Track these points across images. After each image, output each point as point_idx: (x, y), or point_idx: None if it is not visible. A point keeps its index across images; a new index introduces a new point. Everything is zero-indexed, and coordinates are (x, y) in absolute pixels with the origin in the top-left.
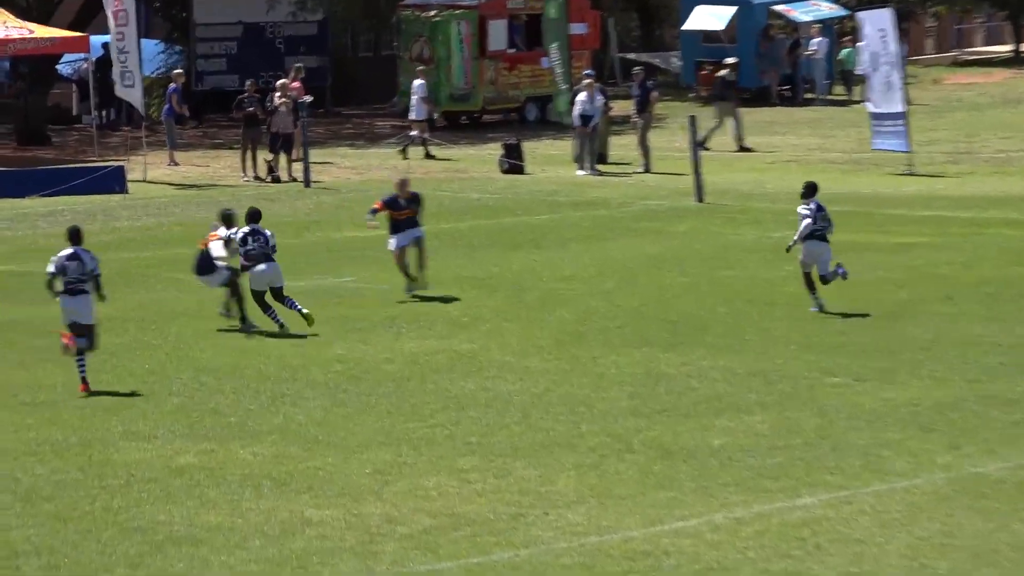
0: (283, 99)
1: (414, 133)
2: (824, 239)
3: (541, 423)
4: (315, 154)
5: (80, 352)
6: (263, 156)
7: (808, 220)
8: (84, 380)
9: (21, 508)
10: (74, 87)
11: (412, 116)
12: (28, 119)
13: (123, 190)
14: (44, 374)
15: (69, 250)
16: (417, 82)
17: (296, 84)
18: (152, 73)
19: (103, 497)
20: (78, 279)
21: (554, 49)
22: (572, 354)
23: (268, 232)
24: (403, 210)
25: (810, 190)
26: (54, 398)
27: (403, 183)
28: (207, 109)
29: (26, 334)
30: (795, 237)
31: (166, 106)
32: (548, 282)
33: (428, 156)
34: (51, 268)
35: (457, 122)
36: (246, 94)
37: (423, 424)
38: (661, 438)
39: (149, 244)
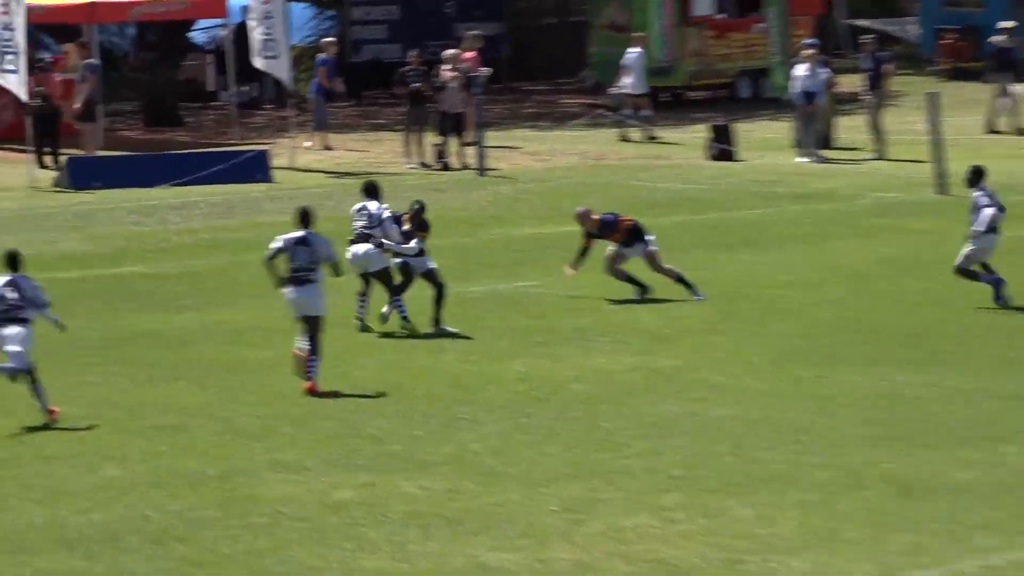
0: (453, 73)
1: (646, 112)
2: (998, 231)
3: (757, 454)
4: (490, 137)
5: (312, 354)
6: (430, 139)
7: (994, 210)
8: (310, 380)
9: (151, 551)
10: (210, 58)
11: (629, 90)
12: (157, 96)
13: (267, 178)
14: (177, 393)
15: (299, 232)
16: (634, 51)
17: (469, 55)
18: (300, 42)
19: (245, 538)
20: (307, 267)
21: (771, 14)
22: (793, 373)
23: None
24: (606, 238)
25: (977, 175)
26: (188, 421)
27: (582, 216)
28: (364, 84)
29: (157, 347)
30: (979, 228)
31: (314, 81)
32: (764, 289)
33: (651, 139)
34: (277, 245)
35: (657, 100)
36: (410, 67)
37: (618, 454)
38: (898, 472)
39: None
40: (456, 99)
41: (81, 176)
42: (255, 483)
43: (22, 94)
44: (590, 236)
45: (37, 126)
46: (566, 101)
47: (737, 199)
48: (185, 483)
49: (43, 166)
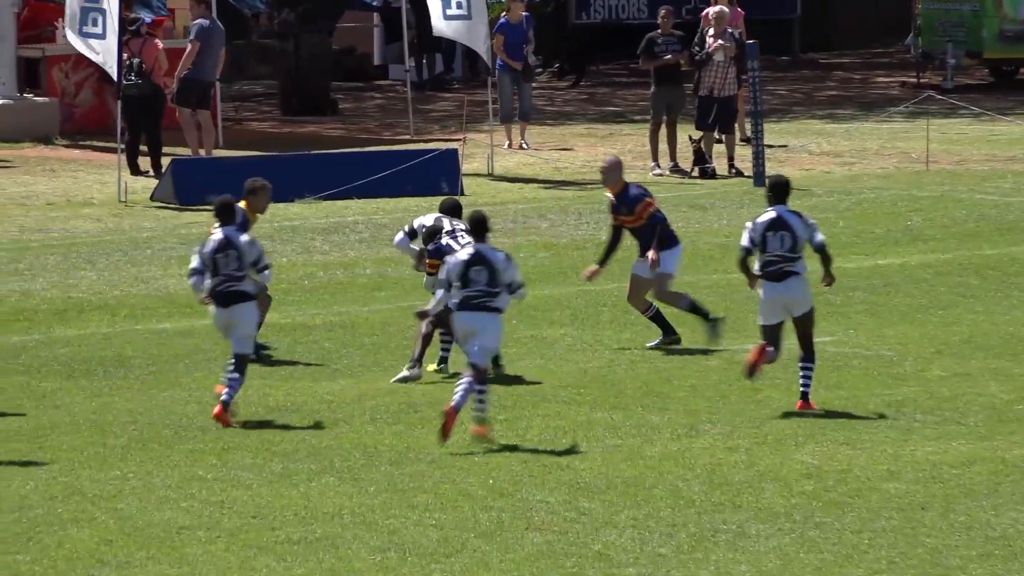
0: (720, 41)
1: None
2: None
3: None
4: (771, 130)
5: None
6: (687, 133)
7: None
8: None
9: None
10: (376, 20)
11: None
12: (300, 73)
13: (455, 189)
14: (323, 493)
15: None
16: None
17: (740, 14)
18: None
19: None
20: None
21: None
22: None
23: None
24: (621, 216)
25: None
26: (338, 533)
27: (607, 169)
28: (593, 57)
29: (296, 427)
30: None
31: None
32: None
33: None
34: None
35: (1009, 77)
36: (658, 33)
37: None
38: None
39: None
40: (724, 76)
41: (190, 186)
42: None
43: (112, 69)
44: (615, 210)
45: (131, 115)
46: (880, 80)
47: None
48: None
49: (137, 171)
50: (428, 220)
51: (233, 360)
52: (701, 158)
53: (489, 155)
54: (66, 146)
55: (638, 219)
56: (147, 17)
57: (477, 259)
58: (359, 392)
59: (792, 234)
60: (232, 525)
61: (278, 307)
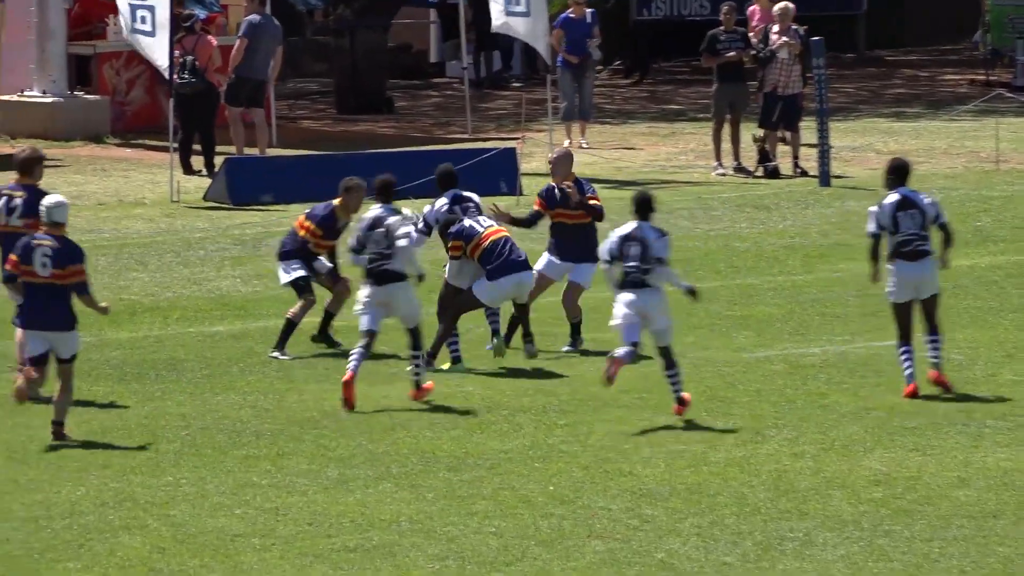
0: (784, 38)
1: None
2: None
3: None
4: (837, 129)
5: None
6: (750, 132)
7: None
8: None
9: None
10: (433, 16)
11: None
12: (356, 71)
13: (513, 188)
14: (380, 499)
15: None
16: None
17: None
18: None
19: None
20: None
21: None
22: None
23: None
24: (567, 209)
25: None
26: (396, 541)
27: (558, 159)
28: (655, 54)
29: (351, 433)
30: None
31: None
32: None
33: None
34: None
35: None
36: (721, 30)
37: None
38: None
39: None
40: (790, 74)
41: (243, 186)
42: None
43: (163, 66)
44: (552, 192)
45: (184, 113)
46: (949, 77)
47: None
48: None
49: (190, 171)
50: (440, 213)
51: (410, 340)
52: (765, 157)
53: (548, 154)
54: (117, 145)
55: (578, 215)
56: (201, 13)
57: (633, 235)
58: (421, 399)
59: (922, 212)
60: (287, 532)
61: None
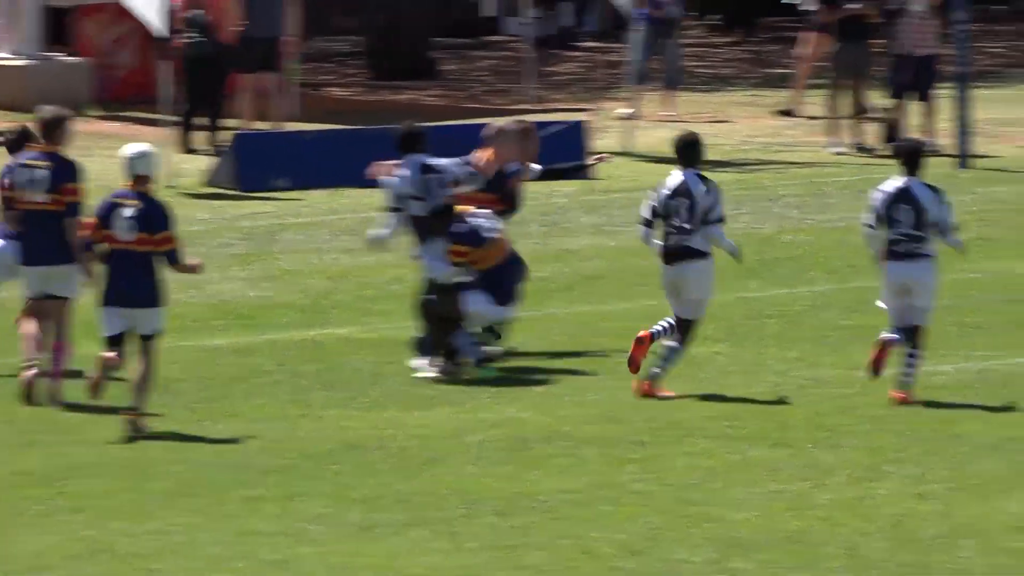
0: None
1: None
2: None
3: None
4: (981, 98)
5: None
6: (876, 103)
7: None
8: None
9: None
10: None
11: None
12: (393, 28)
13: (584, 172)
14: (412, 548)
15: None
16: None
17: None
18: None
19: None
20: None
21: None
22: None
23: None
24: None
25: None
26: None
27: (515, 131)
28: (761, 8)
29: (379, 471)
30: None
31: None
32: None
33: None
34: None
35: None
36: None
37: None
38: None
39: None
40: (925, 31)
41: (257, 168)
42: None
43: (157, 22)
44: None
45: (190, 80)
46: None
47: None
48: None
49: (192, 149)
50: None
51: (671, 330)
52: (893, 132)
53: (626, 129)
54: (101, 118)
55: (501, 203)
56: None
57: (902, 195)
58: (458, 424)
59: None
60: None
61: (360, 318)
